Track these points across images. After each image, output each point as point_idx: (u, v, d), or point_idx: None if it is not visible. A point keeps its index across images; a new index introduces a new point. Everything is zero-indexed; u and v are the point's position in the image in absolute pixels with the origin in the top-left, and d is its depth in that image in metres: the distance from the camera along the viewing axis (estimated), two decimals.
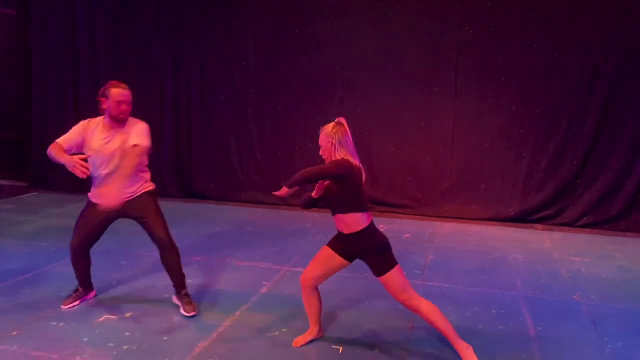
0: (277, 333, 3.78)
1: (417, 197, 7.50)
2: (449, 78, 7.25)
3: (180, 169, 8.45)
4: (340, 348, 3.57)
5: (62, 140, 3.83)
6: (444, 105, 7.32)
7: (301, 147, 7.89)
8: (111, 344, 3.56)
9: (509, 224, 7.10)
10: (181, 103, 8.31)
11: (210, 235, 6.31)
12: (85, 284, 4.27)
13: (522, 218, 7.15)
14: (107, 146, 3.83)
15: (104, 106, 3.83)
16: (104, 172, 3.87)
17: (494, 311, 4.21)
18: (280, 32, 7.84)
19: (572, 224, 7.00)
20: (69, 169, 3.54)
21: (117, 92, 3.79)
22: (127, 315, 4.03)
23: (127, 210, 3.91)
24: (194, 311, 4.03)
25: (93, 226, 4.00)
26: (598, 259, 5.64)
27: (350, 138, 3.38)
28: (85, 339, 3.63)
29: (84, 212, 4.05)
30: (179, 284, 4.13)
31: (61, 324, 3.86)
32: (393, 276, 3.26)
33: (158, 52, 8.21)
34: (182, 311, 4.05)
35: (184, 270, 4.15)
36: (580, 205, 7.01)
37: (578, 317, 4.13)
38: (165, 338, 3.67)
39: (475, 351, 3.33)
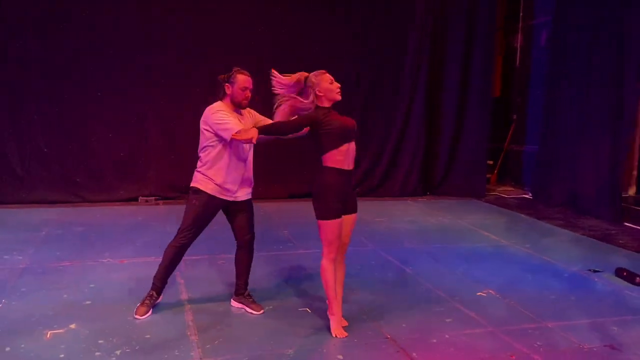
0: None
1: None
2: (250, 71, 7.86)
3: None
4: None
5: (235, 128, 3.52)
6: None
7: (100, 137, 7.41)
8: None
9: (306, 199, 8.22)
10: None
11: (46, 240, 5.56)
12: (162, 289, 3.97)
13: None
14: None
15: (228, 91, 3.70)
16: (240, 159, 3.74)
17: (373, 262, 5.25)
18: (66, 6, 7.12)
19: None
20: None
21: (243, 79, 3.68)
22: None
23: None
24: (262, 308, 3.97)
25: (206, 223, 3.82)
26: (391, 218, 7.24)
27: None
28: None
29: (199, 208, 3.76)
30: (246, 284, 4.05)
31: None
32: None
33: None
34: (250, 311, 3.95)
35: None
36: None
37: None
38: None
39: None
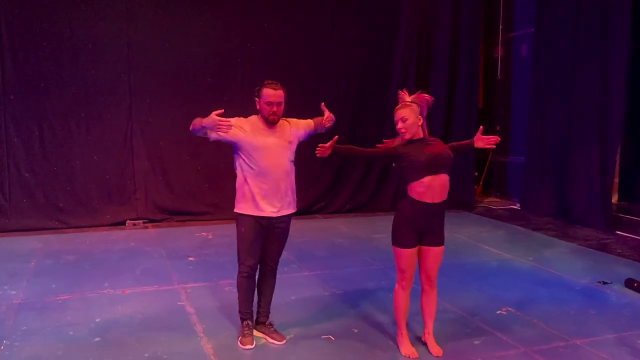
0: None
1: (215, 202, 7.72)
2: (236, 89, 7.71)
3: None
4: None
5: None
6: (234, 114, 7.73)
7: (84, 160, 7.12)
8: None
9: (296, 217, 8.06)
10: None
11: (37, 272, 5.26)
12: (252, 314, 3.81)
13: (306, 210, 8.25)
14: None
15: (257, 106, 3.56)
16: (261, 171, 3.56)
17: (383, 282, 5.14)
18: (47, 28, 6.84)
19: (340, 210, 8.46)
20: (214, 128, 3.36)
21: (267, 93, 3.49)
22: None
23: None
24: (284, 338, 3.78)
25: (259, 242, 3.63)
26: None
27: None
28: None
29: (245, 232, 3.54)
30: (268, 312, 3.86)
31: None
32: (443, 250, 3.58)
33: None
34: (272, 341, 3.75)
35: None
36: (343, 195, 8.52)
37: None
38: None
39: None
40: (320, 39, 8.03)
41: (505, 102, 9.88)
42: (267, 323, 3.85)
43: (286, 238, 3.79)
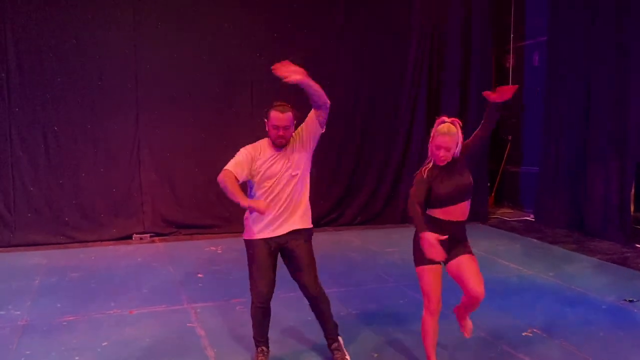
0: None
1: (224, 216, 7.54)
2: (245, 100, 7.55)
3: None
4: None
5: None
6: (242, 124, 7.59)
7: (90, 172, 6.97)
8: None
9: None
10: None
11: (42, 291, 5.09)
12: (267, 340, 3.62)
13: (316, 223, 8.04)
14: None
15: (267, 128, 3.40)
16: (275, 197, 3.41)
17: (401, 301, 4.95)
18: (52, 39, 6.72)
19: (350, 222, 8.28)
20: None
21: (273, 116, 3.33)
22: None
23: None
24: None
25: (269, 266, 3.43)
26: (402, 248, 6.96)
27: None
28: None
29: (254, 259, 3.37)
30: (329, 337, 3.67)
31: None
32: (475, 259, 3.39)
33: None
34: None
35: None
36: (354, 207, 8.33)
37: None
38: None
39: None
40: (330, 48, 7.88)
41: (516, 112, 9.71)
42: (332, 347, 3.64)
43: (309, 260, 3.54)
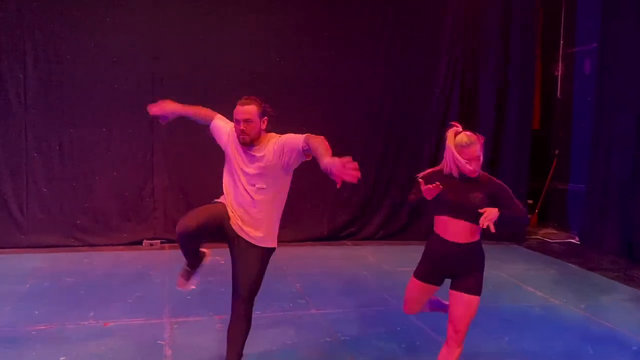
0: None
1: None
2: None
3: None
4: None
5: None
6: None
7: (103, 175, 6.87)
8: None
9: (322, 242, 7.47)
10: None
11: (27, 296, 4.94)
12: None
13: (334, 236, 7.64)
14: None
15: None
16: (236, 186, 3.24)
17: (399, 328, 4.45)
18: (70, 41, 6.69)
19: (372, 237, 7.79)
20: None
21: (235, 109, 3.06)
22: None
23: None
24: None
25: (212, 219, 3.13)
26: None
27: None
28: None
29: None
30: None
31: None
32: (476, 302, 3.04)
33: None
34: None
35: None
36: (375, 221, 7.84)
37: None
38: None
39: None
40: (355, 56, 7.49)
41: (565, 124, 8.92)
42: None
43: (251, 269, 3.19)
